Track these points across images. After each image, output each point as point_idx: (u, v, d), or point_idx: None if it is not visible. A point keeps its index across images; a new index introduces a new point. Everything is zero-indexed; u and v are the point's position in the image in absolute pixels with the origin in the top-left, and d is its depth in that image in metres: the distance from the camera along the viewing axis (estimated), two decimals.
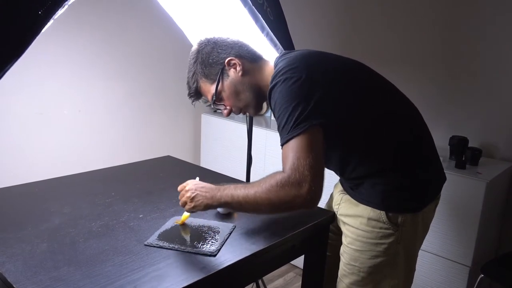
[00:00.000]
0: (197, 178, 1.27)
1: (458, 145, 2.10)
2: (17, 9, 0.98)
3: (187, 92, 1.32)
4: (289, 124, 1.06)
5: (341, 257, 1.31)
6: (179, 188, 1.23)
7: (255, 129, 2.57)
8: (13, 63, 1.01)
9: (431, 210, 1.29)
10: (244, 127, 2.64)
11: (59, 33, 2.28)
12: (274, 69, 1.19)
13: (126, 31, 2.60)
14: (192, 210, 1.19)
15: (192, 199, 1.16)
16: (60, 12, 1.04)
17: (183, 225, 1.24)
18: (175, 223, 1.25)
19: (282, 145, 1.08)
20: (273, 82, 1.13)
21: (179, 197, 1.21)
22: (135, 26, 2.64)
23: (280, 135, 1.09)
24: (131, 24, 2.62)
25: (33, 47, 1.02)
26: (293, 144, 1.05)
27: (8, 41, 0.99)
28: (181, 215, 1.26)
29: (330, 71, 1.15)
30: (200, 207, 1.16)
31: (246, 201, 1.09)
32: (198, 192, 1.16)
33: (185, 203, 1.19)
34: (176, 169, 1.82)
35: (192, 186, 1.19)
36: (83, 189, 1.50)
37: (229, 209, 1.32)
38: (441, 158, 1.33)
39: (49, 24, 1.03)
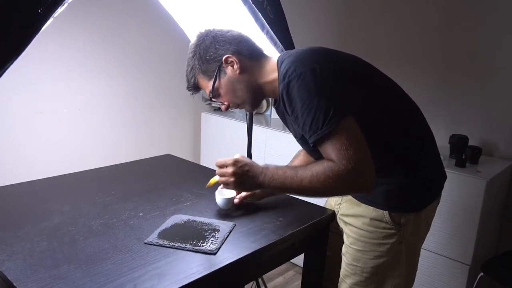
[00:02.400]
0: (237, 155, 1.20)
1: (458, 143, 2.10)
2: (17, 8, 0.98)
3: (186, 85, 1.31)
4: (319, 118, 1.04)
5: (343, 257, 1.31)
6: (218, 162, 1.21)
7: (255, 128, 2.57)
8: (13, 62, 1.01)
9: (433, 209, 1.29)
10: (244, 126, 2.64)
11: (58, 31, 2.27)
12: (279, 67, 1.16)
13: (126, 30, 2.60)
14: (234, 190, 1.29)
15: (237, 184, 1.18)
16: (59, 10, 1.04)
17: (184, 223, 1.24)
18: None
19: (316, 140, 1.06)
20: (286, 80, 1.09)
21: (219, 174, 1.21)
22: (135, 25, 2.63)
23: (309, 131, 1.07)
24: (131, 23, 2.61)
25: (32, 45, 1.02)
26: (334, 137, 1.04)
27: (8, 39, 0.98)
28: (181, 213, 1.25)
29: (335, 67, 1.13)
30: (244, 190, 1.29)
31: (301, 193, 1.14)
32: (244, 178, 1.17)
33: (227, 185, 1.20)
34: (176, 168, 1.82)
35: (237, 170, 1.17)
36: (83, 188, 1.50)
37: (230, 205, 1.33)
38: (441, 157, 1.33)
39: (48, 22, 1.03)
